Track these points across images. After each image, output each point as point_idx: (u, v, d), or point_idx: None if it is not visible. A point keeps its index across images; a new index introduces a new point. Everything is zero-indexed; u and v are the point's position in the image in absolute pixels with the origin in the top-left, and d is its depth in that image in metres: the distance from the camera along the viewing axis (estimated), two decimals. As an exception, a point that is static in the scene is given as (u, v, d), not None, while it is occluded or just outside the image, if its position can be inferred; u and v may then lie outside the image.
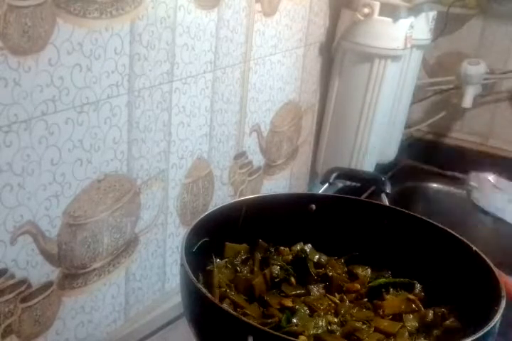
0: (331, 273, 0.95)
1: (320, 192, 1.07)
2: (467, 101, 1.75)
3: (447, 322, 0.86)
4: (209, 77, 1.12)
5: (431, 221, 0.96)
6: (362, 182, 1.21)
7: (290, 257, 0.96)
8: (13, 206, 0.83)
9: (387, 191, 1.06)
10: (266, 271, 0.92)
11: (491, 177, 1.69)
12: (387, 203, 1.03)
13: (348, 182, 1.28)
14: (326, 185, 1.09)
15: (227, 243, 0.96)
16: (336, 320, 0.86)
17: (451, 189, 1.82)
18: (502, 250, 1.40)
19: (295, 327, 0.82)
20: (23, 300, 0.89)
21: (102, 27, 0.88)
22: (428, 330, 0.86)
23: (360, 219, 1.00)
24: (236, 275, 0.92)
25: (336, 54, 1.47)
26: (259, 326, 0.73)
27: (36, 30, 0.78)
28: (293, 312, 0.86)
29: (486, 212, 1.68)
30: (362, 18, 1.37)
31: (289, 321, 0.83)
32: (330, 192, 1.11)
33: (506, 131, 1.83)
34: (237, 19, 1.14)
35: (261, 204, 0.98)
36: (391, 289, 0.92)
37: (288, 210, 0.99)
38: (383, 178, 1.10)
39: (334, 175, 1.10)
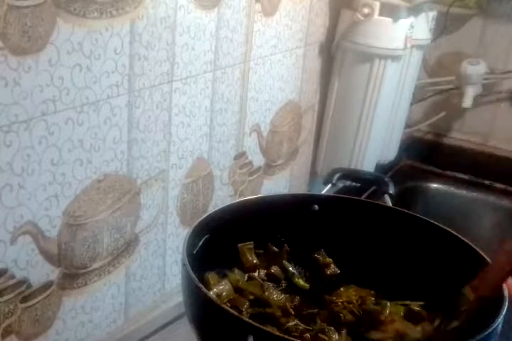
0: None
1: (323, 192, 1.07)
2: (467, 101, 1.75)
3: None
4: (209, 77, 1.12)
5: (434, 222, 0.96)
6: (365, 183, 1.21)
7: None
8: (13, 206, 0.83)
9: (391, 192, 1.06)
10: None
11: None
12: (390, 204, 1.03)
13: (349, 182, 1.28)
14: (329, 185, 1.09)
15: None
16: None
17: (451, 189, 1.83)
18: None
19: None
20: (23, 300, 0.89)
21: (102, 27, 0.88)
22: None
23: (363, 220, 1.00)
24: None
25: (336, 54, 1.47)
26: (259, 326, 0.73)
27: (36, 30, 0.78)
28: None
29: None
30: (362, 18, 1.37)
31: None
32: (331, 193, 1.11)
33: (506, 131, 1.83)
34: (237, 19, 1.14)
35: (263, 205, 0.98)
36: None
37: (290, 211, 0.99)
38: (386, 179, 1.10)
39: (337, 175, 1.10)
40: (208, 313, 0.78)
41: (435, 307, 0.90)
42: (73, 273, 0.96)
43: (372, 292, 0.96)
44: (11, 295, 0.87)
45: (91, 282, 1.00)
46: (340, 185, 1.37)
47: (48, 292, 0.92)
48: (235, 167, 1.27)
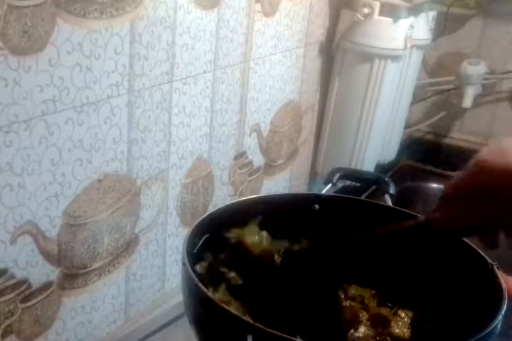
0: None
1: (323, 192, 1.07)
2: (467, 102, 1.75)
3: None
4: (209, 77, 1.12)
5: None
6: (366, 183, 1.20)
7: None
8: (13, 206, 0.83)
9: (391, 192, 1.06)
10: None
11: None
12: (390, 204, 1.03)
13: (349, 182, 1.28)
14: (329, 185, 1.09)
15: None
16: None
17: (451, 189, 1.82)
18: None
19: None
20: (23, 300, 0.89)
21: (102, 27, 0.88)
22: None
23: (363, 220, 1.00)
24: None
25: (336, 54, 1.47)
26: (258, 325, 0.73)
27: (36, 30, 0.78)
28: None
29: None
30: (362, 18, 1.37)
31: None
32: (331, 192, 1.11)
33: (506, 131, 1.83)
34: (237, 19, 1.14)
35: (263, 205, 0.97)
36: None
37: (291, 210, 0.99)
38: (387, 179, 1.10)
39: (337, 175, 1.10)
40: (207, 313, 0.78)
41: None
42: (73, 273, 0.96)
43: (373, 291, 0.96)
44: (11, 295, 0.87)
45: (91, 282, 1.00)
46: (340, 184, 1.37)
47: (47, 292, 0.92)
48: (235, 167, 1.27)
